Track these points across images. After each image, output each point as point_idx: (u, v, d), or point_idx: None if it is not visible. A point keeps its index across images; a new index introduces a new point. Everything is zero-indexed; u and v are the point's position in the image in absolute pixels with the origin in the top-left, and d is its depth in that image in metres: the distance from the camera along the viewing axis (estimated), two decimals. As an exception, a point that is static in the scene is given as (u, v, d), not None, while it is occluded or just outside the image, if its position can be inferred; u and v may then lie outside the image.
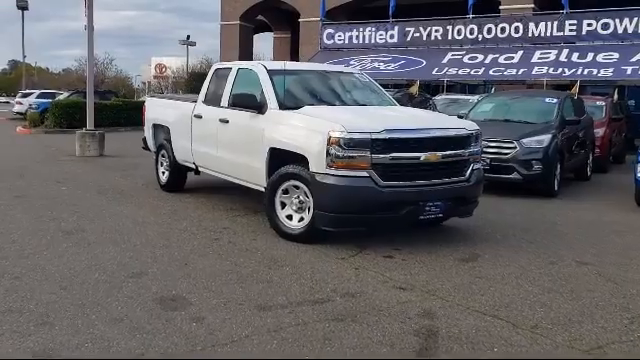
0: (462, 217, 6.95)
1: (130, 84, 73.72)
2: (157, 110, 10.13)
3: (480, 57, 23.13)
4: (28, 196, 9.17)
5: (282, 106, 7.09)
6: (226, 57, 33.70)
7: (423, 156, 6.20)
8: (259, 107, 7.24)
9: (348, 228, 6.33)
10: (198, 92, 9.08)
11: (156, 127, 10.16)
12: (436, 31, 24.87)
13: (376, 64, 24.45)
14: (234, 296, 4.84)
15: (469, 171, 6.64)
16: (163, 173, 9.99)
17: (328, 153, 6.04)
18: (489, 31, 23.82)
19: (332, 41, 27.42)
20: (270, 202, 6.77)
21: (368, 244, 6.48)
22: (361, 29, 26.80)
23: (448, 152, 6.39)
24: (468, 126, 6.75)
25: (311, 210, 6.38)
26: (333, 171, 6.04)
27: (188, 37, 60.64)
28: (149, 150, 10.75)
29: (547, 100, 11.46)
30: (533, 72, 21.48)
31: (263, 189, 7.21)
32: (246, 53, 34.66)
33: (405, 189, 6.16)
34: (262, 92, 7.36)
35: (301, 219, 6.58)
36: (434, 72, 22.98)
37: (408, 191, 6.17)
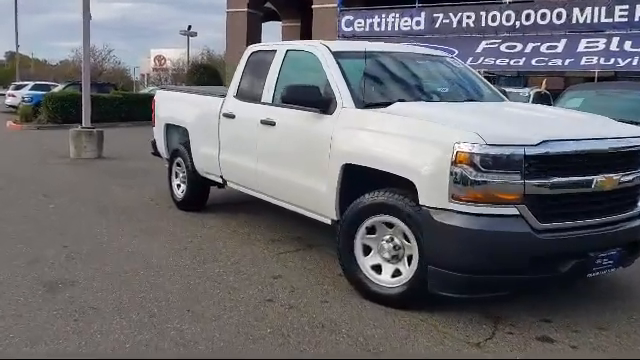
0: (625, 267, 4.76)
1: (128, 76, 71.83)
2: (171, 107, 7.93)
3: (519, 46, 20.97)
4: (4, 218, 7.00)
5: (359, 103, 4.92)
6: (232, 47, 31.53)
7: (596, 180, 4.03)
8: (324, 105, 5.08)
9: (481, 294, 4.15)
10: (203, 85, 7.03)
11: (170, 128, 7.98)
12: (468, 17, 22.66)
13: (402, 54, 22.21)
14: None
15: (643, 201, 4.48)
16: (178, 186, 7.82)
17: (453, 177, 3.86)
18: (527, 17, 21.62)
19: (351, 28, 25.20)
20: (346, 245, 4.61)
21: (499, 311, 4.33)
22: (384, 15, 24.56)
23: (627, 173, 4.22)
24: (646, 133, 4.56)
25: (415, 261, 4.23)
26: (461, 206, 3.87)
27: (189, 27, 57.92)
28: (159, 156, 8.58)
29: (653, 95, 9.27)
30: (582, 62, 19.31)
31: (329, 221, 5.07)
32: (254, 43, 32.46)
33: (571, 234, 3.99)
34: (327, 83, 5.19)
35: (396, 273, 4.41)
36: (469, 62, 20.72)
37: (575, 237, 4.01)
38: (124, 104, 23.49)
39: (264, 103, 5.96)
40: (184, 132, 7.58)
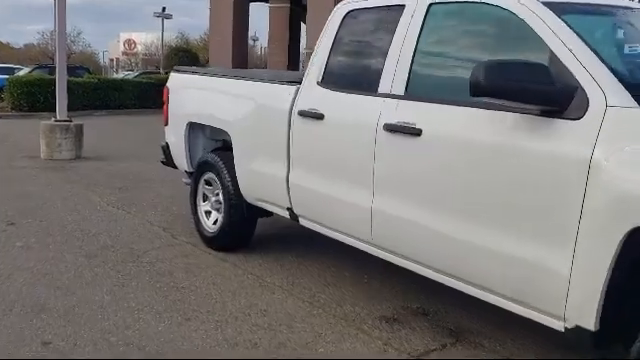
0: None
1: (96, 60, 68.87)
2: (198, 97, 5.38)
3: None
4: (-57, 274, 4.43)
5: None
6: (216, 30, 28.71)
7: None
8: (558, 100, 2.62)
9: None
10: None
11: (195, 129, 5.45)
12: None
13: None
14: None
15: None
16: (208, 214, 5.32)
17: None
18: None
19: (356, 8, 22.53)
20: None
21: None
22: (394, -7, 21.96)
23: None
24: None
25: None
26: None
27: (164, 9, 54.43)
28: (173, 167, 6.04)
29: None
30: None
31: (561, 327, 2.62)
32: (241, 26, 29.60)
33: None
34: (554, 61, 2.72)
35: None
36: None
37: None
38: (100, 90, 20.69)
39: (387, 95, 3.49)
40: (220, 135, 5.10)
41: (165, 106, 5.85)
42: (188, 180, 5.83)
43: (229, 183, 4.91)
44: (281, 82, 4.39)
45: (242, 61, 29.22)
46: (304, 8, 27.28)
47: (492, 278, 2.90)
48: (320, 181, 3.94)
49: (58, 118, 10.16)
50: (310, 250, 5.11)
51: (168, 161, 6.04)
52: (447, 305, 3.95)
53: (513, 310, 2.86)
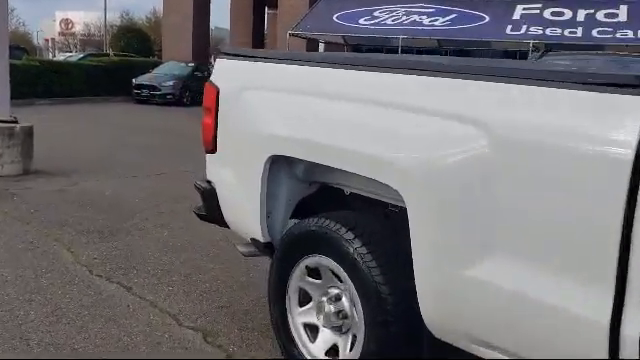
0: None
1: (30, 40, 64.58)
2: (295, 108, 2.72)
3: (567, 13, 16.69)
4: None
5: None
6: (174, 7, 25.66)
7: None
8: None
9: None
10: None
11: (280, 169, 2.82)
12: (498, -25, 18.12)
13: (415, 17, 17.39)
14: None
15: None
16: (312, 331, 2.74)
17: None
18: (574, -24, 17.32)
19: (346, -8, 20.02)
20: None
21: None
22: (390, -28, 19.52)
23: None
24: None
25: None
26: None
27: (106, -15, 50.56)
28: (220, 224, 3.38)
29: None
30: (662, 34, 15.21)
31: None
32: (202, 3, 26.55)
33: None
34: None
35: None
36: (509, 31, 16.28)
37: None
38: (42, 74, 17.56)
39: None
40: (327, 178, 2.53)
41: (210, 119, 3.20)
42: (250, 250, 3.25)
43: (383, 288, 2.34)
44: (593, 86, 1.80)
45: (204, 44, 26.27)
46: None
47: None
48: None
49: (-2, 118, 7.25)
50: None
51: (210, 214, 3.39)
52: None
53: None
